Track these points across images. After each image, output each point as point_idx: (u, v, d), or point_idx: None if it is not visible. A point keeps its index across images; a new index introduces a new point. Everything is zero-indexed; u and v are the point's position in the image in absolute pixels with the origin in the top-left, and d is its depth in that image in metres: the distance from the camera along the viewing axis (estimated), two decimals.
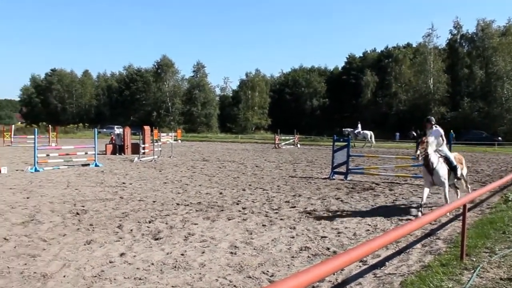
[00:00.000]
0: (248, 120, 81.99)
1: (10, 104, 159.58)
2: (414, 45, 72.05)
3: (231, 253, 6.34)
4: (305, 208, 9.74)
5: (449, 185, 9.49)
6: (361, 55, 79.93)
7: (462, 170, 9.82)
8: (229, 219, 8.63)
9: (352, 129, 36.77)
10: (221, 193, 11.82)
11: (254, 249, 6.54)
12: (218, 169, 18.13)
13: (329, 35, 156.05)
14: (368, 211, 9.54)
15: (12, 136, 39.71)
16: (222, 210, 9.52)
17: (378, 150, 30.71)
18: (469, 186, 10.70)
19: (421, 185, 13.31)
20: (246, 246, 6.66)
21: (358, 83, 70.46)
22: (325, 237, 7.22)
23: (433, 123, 9.81)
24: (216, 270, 5.63)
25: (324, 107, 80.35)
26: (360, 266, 5.74)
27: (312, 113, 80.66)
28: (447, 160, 9.31)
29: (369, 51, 79.26)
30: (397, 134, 49.86)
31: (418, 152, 9.03)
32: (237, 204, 10.29)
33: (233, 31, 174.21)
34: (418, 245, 6.69)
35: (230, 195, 11.60)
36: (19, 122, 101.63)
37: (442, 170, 9.08)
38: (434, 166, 8.99)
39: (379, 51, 76.92)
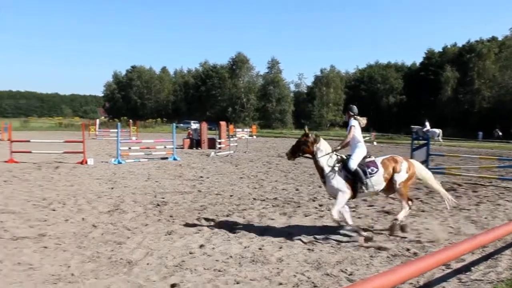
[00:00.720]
0: (323, 117, 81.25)
1: (95, 100, 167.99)
2: (500, 39, 68.35)
3: (309, 249, 6.32)
4: (383, 207, 9.50)
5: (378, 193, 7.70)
6: (441, 50, 76.69)
7: (397, 178, 7.11)
8: (306, 216, 8.60)
9: (420, 127, 35.42)
10: (297, 190, 11.80)
11: (332, 246, 6.48)
12: (293, 165, 18.08)
13: (406, 30, 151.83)
14: (449, 213, 9.15)
15: (97, 129, 41.86)
16: (298, 206, 9.50)
17: (460, 150, 29.41)
18: (446, 196, 7.71)
19: (508, 187, 12.62)
20: (324, 243, 6.61)
21: (438, 79, 67.63)
22: (405, 237, 7.01)
23: (352, 113, 7.57)
24: (294, 266, 5.63)
25: (401, 104, 78.01)
26: (443, 270, 5.51)
27: (389, 110, 78.59)
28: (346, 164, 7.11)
29: (449, 46, 75.83)
30: (480, 133, 47.32)
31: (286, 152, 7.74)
32: (314, 200, 10.23)
33: (307, 27, 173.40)
34: (508, 251, 6.32)
35: (306, 191, 11.57)
36: (103, 117, 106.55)
37: (336, 178, 7.03)
38: (325, 173, 7.16)
39: (460, 46, 73.41)
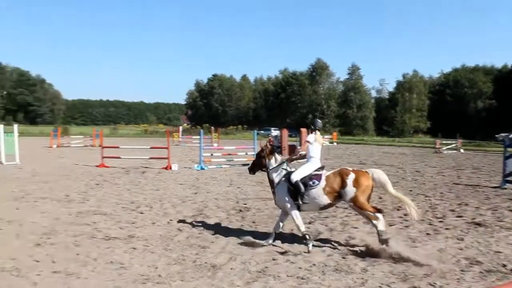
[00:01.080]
0: (406, 123, 78.84)
1: (177, 107, 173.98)
2: None
3: (394, 260, 6.11)
4: (473, 219, 9.01)
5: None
6: None
7: (344, 193, 6.79)
8: (390, 225, 8.33)
9: (507, 134, 33.29)
10: (380, 198, 11.47)
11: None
12: None
13: (495, 30, 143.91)
14: None
15: (180, 136, 43.28)
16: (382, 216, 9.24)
17: None
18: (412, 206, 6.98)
19: None
20: (410, 255, 6.37)
21: None
22: (499, 252, 6.57)
23: (314, 127, 7.66)
24: (379, 277, 5.47)
25: (490, 109, 74.03)
26: None
27: (477, 115, 74.89)
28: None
29: None
30: None
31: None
32: (398, 210, 9.90)
33: (388, 31, 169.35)
34: None
35: (389, 200, 11.19)
36: (185, 124, 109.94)
37: (281, 190, 7.07)
38: (274, 185, 7.23)
39: None
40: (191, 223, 8.31)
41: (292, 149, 26.08)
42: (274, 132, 41.02)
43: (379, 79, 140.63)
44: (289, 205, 6.93)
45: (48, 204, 10.04)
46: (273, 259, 6.12)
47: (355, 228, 8.07)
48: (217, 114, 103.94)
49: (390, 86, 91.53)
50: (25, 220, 8.36)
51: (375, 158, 26.63)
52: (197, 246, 6.73)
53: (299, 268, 5.79)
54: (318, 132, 7.63)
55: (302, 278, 5.40)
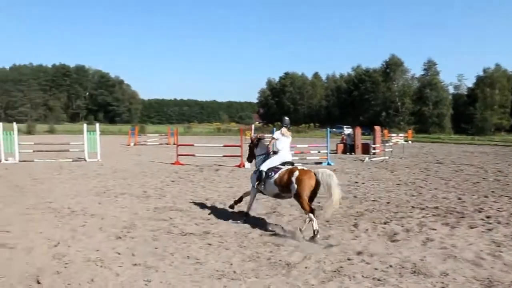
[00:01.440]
0: (486, 121, 74.87)
1: (249, 106, 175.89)
2: None
3: (476, 265, 5.82)
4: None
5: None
6: None
7: (291, 188, 7.46)
8: (471, 227, 7.96)
9: None
10: (459, 199, 10.99)
11: (505, 264, 5.87)
12: (454, 172, 16.95)
13: None
14: None
15: (252, 134, 43.67)
16: (462, 217, 8.82)
17: None
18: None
19: None
20: (495, 260, 6.03)
21: None
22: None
23: (282, 125, 8.75)
24: (461, 282, 5.22)
25: None
26: None
27: None
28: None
29: None
30: None
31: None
32: (480, 212, 9.42)
33: (465, 24, 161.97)
34: None
35: (470, 201, 10.71)
36: (257, 122, 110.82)
37: (253, 174, 8.62)
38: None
39: None
40: (264, 221, 8.35)
41: (367, 147, 25.68)
42: (347, 130, 40.36)
43: (457, 75, 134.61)
44: (252, 188, 8.45)
45: (127, 199, 10.46)
46: (348, 259, 6.01)
47: (433, 229, 7.75)
48: (288, 112, 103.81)
49: (470, 82, 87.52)
50: (107, 214, 8.75)
51: (453, 157, 25.54)
52: (271, 244, 6.75)
53: (375, 269, 5.65)
54: (284, 129, 8.66)
55: (379, 280, 5.27)
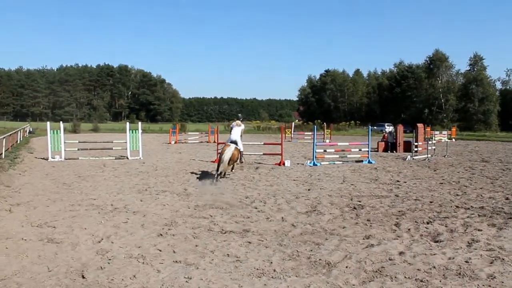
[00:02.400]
0: None
1: (289, 104, 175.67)
2: None
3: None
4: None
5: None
6: None
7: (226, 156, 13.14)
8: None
9: None
10: (507, 199, 10.61)
11: None
12: (501, 171, 16.41)
13: None
14: None
15: (292, 132, 43.52)
16: (510, 218, 8.50)
17: None
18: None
19: None
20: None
21: None
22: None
23: (237, 119, 14.86)
24: (509, 286, 5.01)
25: None
26: None
27: None
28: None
29: None
30: None
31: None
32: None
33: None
34: None
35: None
36: (297, 120, 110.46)
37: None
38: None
39: None
40: (305, 220, 8.30)
41: (409, 145, 25.19)
42: (388, 128, 39.77)
43: (506, 70, 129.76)
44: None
45: (168, 197, 10.60)
46: (390, 259, 5.90)
47: (479, 230, 7.52)
48: (329, 110, 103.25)
49: None
50: (148, 211, 8.90)
51: (500, 155, 24.75)
52: (311, 243, 6.69)
53: (418, 270, 5.52)
54: (237, 121, 14.57)
55: (421, 281, 5.14)
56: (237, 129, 14.17)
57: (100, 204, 9.61)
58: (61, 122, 21.05)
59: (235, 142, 13.61)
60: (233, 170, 14.81)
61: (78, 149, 20.74)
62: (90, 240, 6.71)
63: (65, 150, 19.68)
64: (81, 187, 11.96)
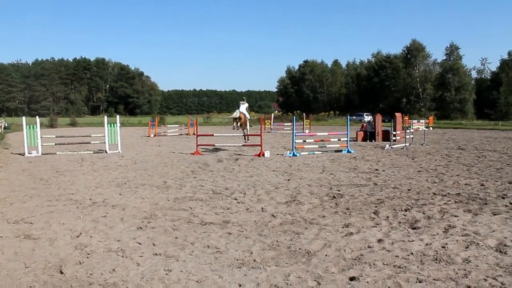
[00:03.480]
0: (511, 105, 73.45)
1: (269, 95, 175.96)
2: None
3: (500, 252, 5.72)
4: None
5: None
6: None
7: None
8: (494, 214, 7.82)
9: None
10: (482, 185, 10.82)
11: None
12: (476, 158, 16.70)
13: None
14: None
15: (271, 123, 43.60)
16: (485, 204, 8.68)
17: None
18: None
19: None
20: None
21: None
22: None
23: (242, 100, 21.92)
24: (484, 269, 5.13)
25: None
26: None
27: None
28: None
29: None
30: None
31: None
32: (503, 198, 9.25)
33: (489, 4, 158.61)
34: None
35: (493, 187, 10.54)
36: (276, 111, 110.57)
37: None
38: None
39: None
40: (284, 210, 8.34)
41: (387, 134, 25.46)
42: (367, 117, 40.03)
43: (481, 58, 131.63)
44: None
45: (147, 190, 10.53)
46: (369, 247, 5.97)
47: (455, 216, 7.65)
48: (308, 101, 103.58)
49: (493, 66, 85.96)
50: (128, 205, 8.84)
51: (475, 143, 25.19)
52: (291, 232, 6.73)
53: (396, 256, 5.59)
54: (242, 101, 21.54)
55: (399, 267, 5.21)
56: (243, 106, 21.52)
57: (78, 198, 9.51)
58: (37, 117, 20.71)
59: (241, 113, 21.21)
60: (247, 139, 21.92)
61: (56, 144, 20.44)
62: (68, 235, 6.64)
63: (42, 145, 19.40)
64: (59, 182, 11.81)
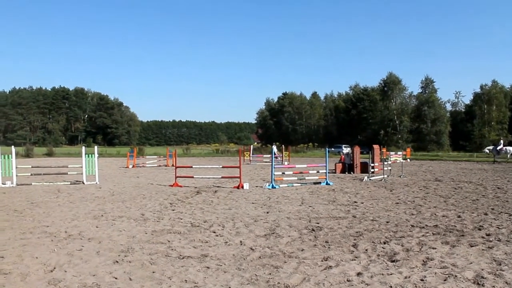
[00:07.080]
0: (484, 137, 75.16)
1: (248, 126, 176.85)
2: None
3: (478, 284, 5.75)
4: None
5: None
6: None
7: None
8: (471, 246, 7.89)
9: (494, 146, 40.22)
10: (459, 217, 10.94)
11: (506, 283, 5.78)
12: (453, 190, 16.93)
13: None
14: None
15: (251, 155, 43.62)
16: (462, 235, 8.76)
17: None
18: None
19: None
20: (496, 279, 5.95)
21: None
22: None
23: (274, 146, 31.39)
24: None
25: None
26: None
27: None
28: None
29: None
30: None
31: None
32: (479, 229, 9.36)
33: (461, 40, 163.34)
34: None
35: (470, 219, 10.66)
36: (256, 142, 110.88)
37: None
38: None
39: None
40: (263, 243, 8.27)
41: (365, 166, 25.68)
42: (345, 149, 40.37)
43: (455, 92, 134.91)
44: None
45: (125, 222, 10.37)
46: (348, 280, 5.93)
47: (433, 248, 7.69)
48: (287, 132, 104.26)
49: (467, 99, 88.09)
50: (104, 238, 8.67)
51: (452, 174, 25.54)
52: (270, 266, 6.66)
53: None
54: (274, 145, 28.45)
55: None
56: (275, 147, 25.75)
57: (53, 231, 9.31)
58: (12, 146, 20.41)
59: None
60: None
61: (31, 174, 20.10)
62: (41, 270, 6.47)
63: (17, 175, 19.07)
64: (34, 214, 11.56)
